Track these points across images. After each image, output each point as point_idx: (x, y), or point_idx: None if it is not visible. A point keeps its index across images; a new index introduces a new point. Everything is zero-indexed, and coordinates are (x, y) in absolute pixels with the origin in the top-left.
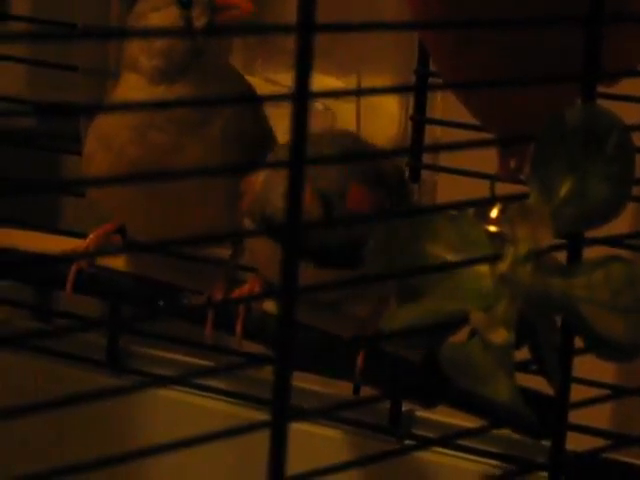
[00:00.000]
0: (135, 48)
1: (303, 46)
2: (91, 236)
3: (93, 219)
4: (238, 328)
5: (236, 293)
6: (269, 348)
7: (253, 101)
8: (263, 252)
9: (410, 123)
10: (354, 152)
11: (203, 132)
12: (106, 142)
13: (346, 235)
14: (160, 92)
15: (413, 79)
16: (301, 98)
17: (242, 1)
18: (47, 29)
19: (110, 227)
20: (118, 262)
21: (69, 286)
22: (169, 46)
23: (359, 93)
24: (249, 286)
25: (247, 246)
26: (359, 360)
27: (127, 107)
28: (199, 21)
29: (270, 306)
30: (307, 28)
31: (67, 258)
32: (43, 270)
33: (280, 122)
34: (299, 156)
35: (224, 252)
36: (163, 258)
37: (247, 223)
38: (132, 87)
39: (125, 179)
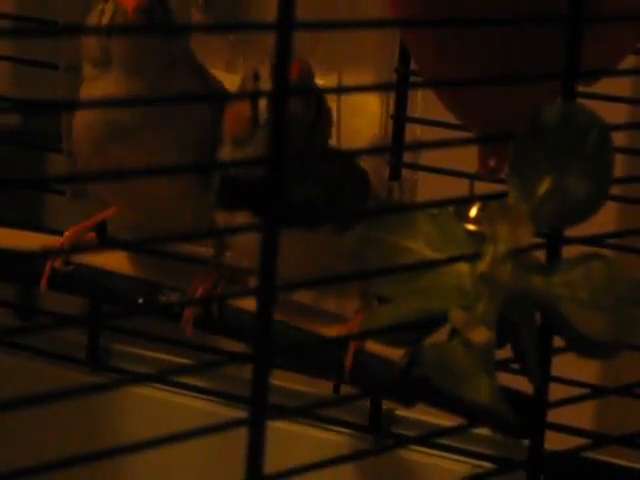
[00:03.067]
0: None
1: (282, 44)
2: (67, 234)
3: (75, 216)
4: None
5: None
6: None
7: (221, 99)
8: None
9: (391, 122)
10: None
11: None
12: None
13: (305, 192)
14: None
15: (394, 78)
16: (281, 95)
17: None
18: (30, 27)
19: (86, 225)
20: (97, 260)
21: (43, 282)
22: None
23: (340, 91)
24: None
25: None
26: (347, 359)
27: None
28: (104, 17)
29: (246, 302)
30: (286, 26)
31: (41, 255)
32: (21, 267)
33: None
34: (279, 151)
35: (205, 250)
36: (145, 256)
37: (221, 218)
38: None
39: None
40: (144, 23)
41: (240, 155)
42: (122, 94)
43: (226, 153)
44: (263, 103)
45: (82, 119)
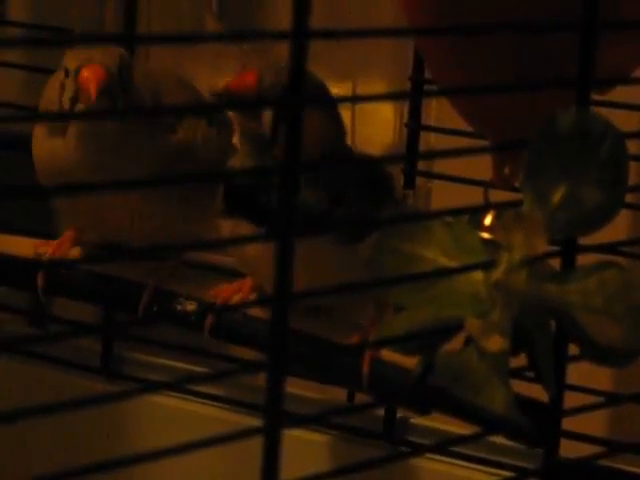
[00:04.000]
0: None
1: (297, 52)
2: (57, 242)
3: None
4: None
5: (220, 291)
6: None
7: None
8: (252, 253)
9: (405, 130)
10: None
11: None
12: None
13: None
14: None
15: (408, 86)
16: (296, 104)
17: (90, 83)
18: (44, 35)
19: (72, 235)
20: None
21: (40, 291)
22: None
23: (354, 100)
24: (234, 287)
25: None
26: (365, 366)
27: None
28: (67, 94)
29: (258, 310)
30: (301, 35)
31: (33, 265)
32: (24, 274)
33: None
34: (294, 162)
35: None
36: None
37: (225, 226)
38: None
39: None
40: (105, 106)
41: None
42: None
43: (239, 159)
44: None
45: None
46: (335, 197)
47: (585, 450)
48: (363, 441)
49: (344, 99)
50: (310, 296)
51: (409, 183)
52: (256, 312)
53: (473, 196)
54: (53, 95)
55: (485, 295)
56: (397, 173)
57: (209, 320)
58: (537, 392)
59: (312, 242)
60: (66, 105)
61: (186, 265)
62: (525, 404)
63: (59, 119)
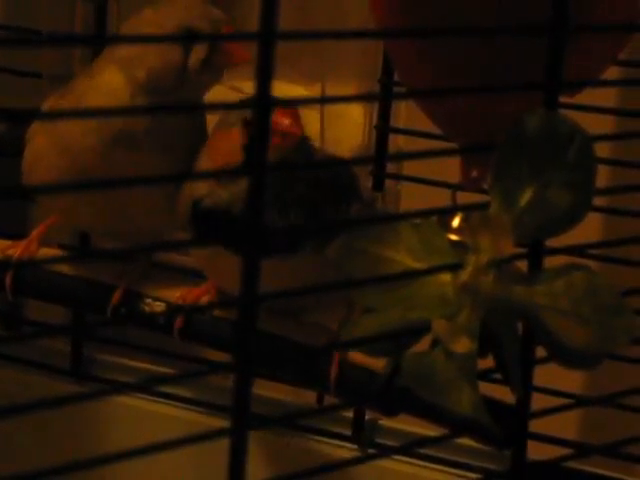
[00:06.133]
0: (132, 51)
1: (264, 54)
2: (24, 242)
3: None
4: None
5: (187, 294)
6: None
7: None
8: (218, 260)
9: (374, 132)
10: (318, 161)
11: (165, 156)
12: (63, 146)
13: (283, 218)
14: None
15: (377, 88)
16: (262, 106)
17: (241, 49)
18: (13, 35)
19: (44, 228)
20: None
21: (9, 290)
22: (163, 65)
23: (323, 101)
24: (202, 289)
25: (199, 254)
26: (333, 369)
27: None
28: (197, 55)
29: (225, 313)
30: (268, 36)
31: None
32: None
33: None
34: (260, 164)
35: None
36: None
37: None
38: (110, 93)
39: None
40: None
41: (224, 190)
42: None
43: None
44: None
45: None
46: (282, 209)
47: (553, 452)
48: (332, 443)
49: (313, 100)
50: (277, 297)
51: (378, 185)
52: (223, 314)
53: (441, 198)
54: (166, 54)
55: (452, 297)
56: (366, 175)
57: (178, 322)
58: (504, 394)
59: (282, 258)
60: (196, 66)
61: (154, 266)
62: (492, 406)
63: (55, 118)
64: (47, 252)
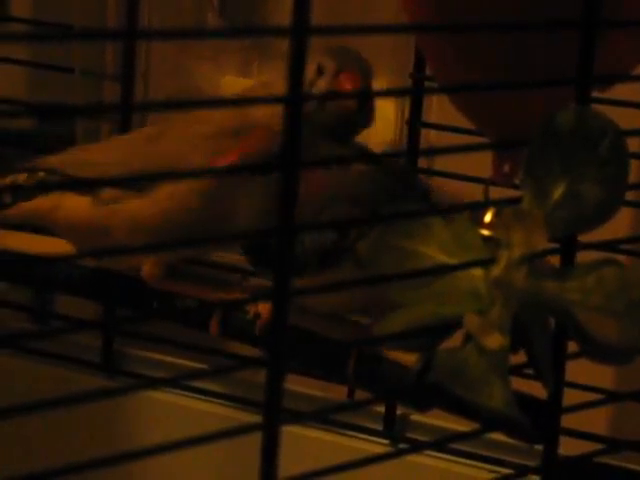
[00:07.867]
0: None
1: (297, 49)
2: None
3: None
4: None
5: (263, 309)
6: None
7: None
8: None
9: (406, 127)
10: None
11: None
12: None
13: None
14: None
15: (409, 83)
16: (294, 101)
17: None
18: (46, 31)
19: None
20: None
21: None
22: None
23: (354, 96)
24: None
25: None
26: (350, 363)
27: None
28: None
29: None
30: (301, 31)
31: (58, 259)
32: (34, 271)
33: None
34: (293, 159)
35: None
36: None
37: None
38: None
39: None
40: None
41: None
42: None
43: None
44: None
45: None
46: (344, 233)
47: (585, 447)
48: (363, 438)
49: (344, 95)
50: (307, 294)
51: None
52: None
53: (473, 193)
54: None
55: (484, 292)
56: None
57: (215, 318)
58: (536, 389)
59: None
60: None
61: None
62: (524, 401)
63: None
64: None
